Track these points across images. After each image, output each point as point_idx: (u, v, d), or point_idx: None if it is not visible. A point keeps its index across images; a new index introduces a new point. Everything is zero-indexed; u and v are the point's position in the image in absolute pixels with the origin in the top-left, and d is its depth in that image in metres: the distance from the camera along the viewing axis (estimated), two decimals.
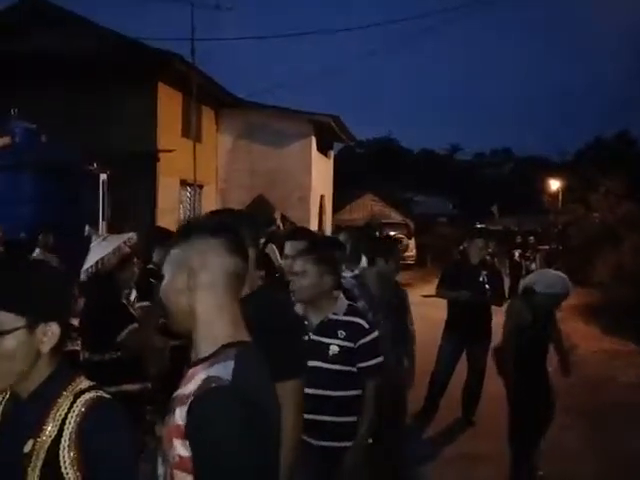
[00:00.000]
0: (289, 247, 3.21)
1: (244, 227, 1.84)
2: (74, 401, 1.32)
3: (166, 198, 13.84)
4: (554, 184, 37.02)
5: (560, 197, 34.57)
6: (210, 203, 16.45)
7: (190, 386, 1.28)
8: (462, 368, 5.63)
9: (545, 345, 4.00)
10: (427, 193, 38.55)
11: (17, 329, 1.27)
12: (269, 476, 1.35)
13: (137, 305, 4.49)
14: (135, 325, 3.47)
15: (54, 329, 1.33)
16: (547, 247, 16.07)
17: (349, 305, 2.76)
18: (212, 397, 1.23)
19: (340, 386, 2.65)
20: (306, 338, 2.64)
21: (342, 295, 2.82)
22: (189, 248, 1.37)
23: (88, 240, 3.79)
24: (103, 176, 7.34)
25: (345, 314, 2.69)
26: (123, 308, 3.70)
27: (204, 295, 1.34)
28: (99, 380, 3.82)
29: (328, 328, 2.67)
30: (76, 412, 1.31)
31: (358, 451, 2.64)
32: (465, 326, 5.41)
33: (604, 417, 5.65)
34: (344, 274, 3.57)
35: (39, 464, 1.29)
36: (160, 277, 4.53)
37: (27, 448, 1.31)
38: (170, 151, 12.89)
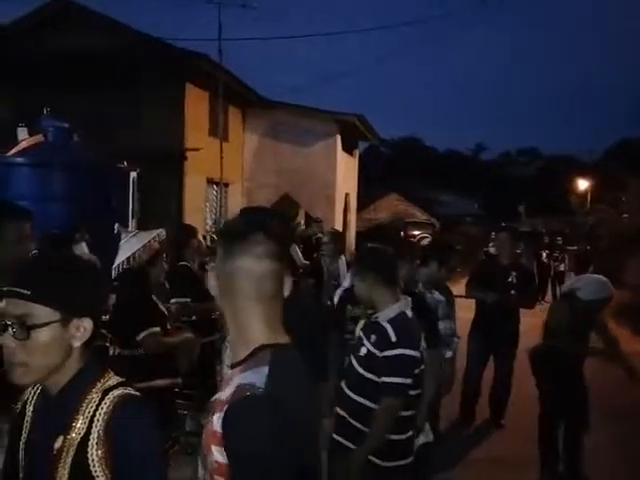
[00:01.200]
0: None
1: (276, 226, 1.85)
2: (102, 398, 1.33)
3: (193, 196, 13.97)
4: (582, 184, 36.41)
5: (588, 197, 34.01)
6: (236, 202, 16.55)
7: (227, 391, 1.28)
8: (491, 370, 5.56)
9: (584, 350, 3.95)
10: (452, 193, 38.23)
11: (51, 323, 1.29)
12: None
13: (172, 301, 4.55)
14: (155, 329, 3.47)
15: (87, 325, 1.34)
16: (575, 248, 15.80)
17: (399, 313, 2.62)
18: (245, 406, 1.22)
19: (362, 393, 2.55)
20: (359, 334, 2.69)
21: (402, 302, 2.67)
22: (221, 250, 1.37)
23: (118, 238, 3.83)
24: (133, 174, 7.41)
25: (388, 320, 2.57)
26: (153, 305, 3.72)
27: (236, 298, 1.34)
28: (129, 375, 3.86)
29: (369, 329, 2.64)
30: (104, 409, 1.31)
31: (356, 460, 2.51)
32: (492, 327, 5.30)
33: (631, 418, 5.56)
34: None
35: (69, 461, 1.30)
36: (189, 274, 4.54)
37: (57, 444, 1.32)
38: (197, 149, 13.01)
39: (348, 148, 18.99)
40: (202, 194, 14.80)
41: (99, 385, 1.35)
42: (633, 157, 34.18)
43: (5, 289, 1.30)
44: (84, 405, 1.32)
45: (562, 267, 14.13)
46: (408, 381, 2.49)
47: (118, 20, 13.21)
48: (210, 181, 14.92)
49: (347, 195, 19.37)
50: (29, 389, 1.47)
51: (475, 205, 39.47)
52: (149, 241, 3.81)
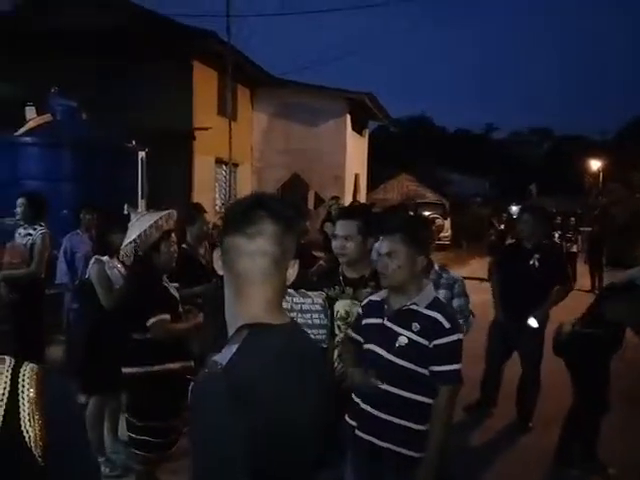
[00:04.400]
0: (342, 226, 2.98)
1: (278, 208, 1.79)
2: (14, 375, 1.21)
3: (202, 176, 13.89)
4: (595, 164, 35.96)
5: (601, 177, 33.61)
6: (245, 182, 16.46)
7: None
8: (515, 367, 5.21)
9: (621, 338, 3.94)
10: (462, 172, 37.89)
11: None
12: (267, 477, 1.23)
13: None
14: (164, 316, 3.39)
15: None
16: (589, 229, 15.58)
17: (435, 298, 2.44)
18: (200, 383, 1.21)
19: (403, 385, 2.37)
20: (379, 322, 2.45)
21: (431, 285, 2.52)
22: (222, 228, 1.37)
23: (127, 218, 3.76)
24: (142, 154, 7.34)
25: (427, 307, 2.39)
26: (162, 289, 3.62)
27: (229, 276, 1.32)
28: (141, 358, 3.78)
29: (403, 317, 2.40)
30: (26, 383, 1.21)
31: (428, 470, 2.32)
32: (515, 322, 4.80)
33: None
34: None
35: None
36: (192, 258, 4.36)
37: None
38: (206, 129, 12.89)
39: (358, 128, 18.79)
40: (211, 174, 14.72)
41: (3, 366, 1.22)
42: None
43: None
44: None
45: (575, 248, 13.93)
46: (459, 365, 2.38)
47: None
48: (219, 161, 14.82)
49: (357, 175, 19.22)
50: None
51: (486, 185, 39.14)
52: (158, 220, 3.71)
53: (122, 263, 4.13)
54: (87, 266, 5.54)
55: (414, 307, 2.39)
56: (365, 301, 2.62)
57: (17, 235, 5.36)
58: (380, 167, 24.59)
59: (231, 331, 1.30)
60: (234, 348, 1.22)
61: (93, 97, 9.59)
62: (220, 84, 14.26)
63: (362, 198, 19.99)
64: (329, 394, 1.49)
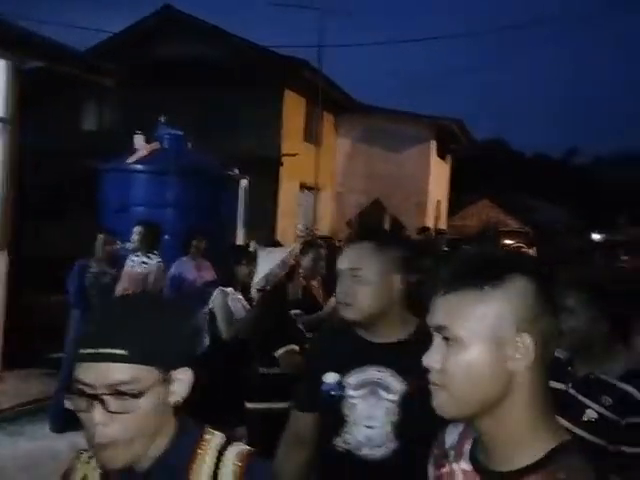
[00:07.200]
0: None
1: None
2: (219, 458, 1.09)
3: (286, 202, 14.04)
4: None
5: None
6: (326, 207, 16.52)
7: None
8: None
9: None
10: (543, 199, 36.60)
11: (157, 384, 1.04)
12: None
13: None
14: (293, 346, 3.38)
15: (188, 375, 1.09)
16: None
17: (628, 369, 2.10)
18: None
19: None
20: (563, 388, 2.14)
21: (624, 353, 2.16)
22: None
23: (230, 247, 3.75)
24: (244, 182, 7.46)
25: (622, 378, 2.06)
26: (291, 322, 3.67)
27: None
28: (266, 394, 3.75)
29: (592, 386, 2.10)
30: (230, 468, 1.08)
31: None
32: None
33: None
34: None
35: None
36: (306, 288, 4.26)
37: None
38: (294, 155, 13.06)
39: (441, 153, 18.55)
40: (295, 199, 14.86)
41: (203, 446, 1.10)
42: None
43: (88, 352, 1.03)
44: (194, 473, 1.08)
45: None
46: None
47: (221, 28, 13.49)
48: (302, 186, 14.96)
49: (439, 202, 18.92)
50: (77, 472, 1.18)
51: (569, 213, 37.64)
52: (285, 257, 3.77)
53: (245, 296, 4.16)
54: (194, 293, 5.63)
55: (602, 376, 2.10)
56: None
57: (130, 262, 5.49)
58: (459, 192, 24.11)
59: None
60: None
61: (190, 125, 9.91)
62: (308, 110, 14.44)
63: (443, 225, 19.64)
64: None
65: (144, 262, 5.44)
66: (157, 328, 1.07)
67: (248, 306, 4.12)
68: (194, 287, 5.64)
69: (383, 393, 1.71)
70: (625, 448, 2.05)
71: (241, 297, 4.19)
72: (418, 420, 1.58)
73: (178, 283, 5.80)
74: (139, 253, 5.51)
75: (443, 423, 1.42)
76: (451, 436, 1.16)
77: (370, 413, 1.71)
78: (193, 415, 1.18)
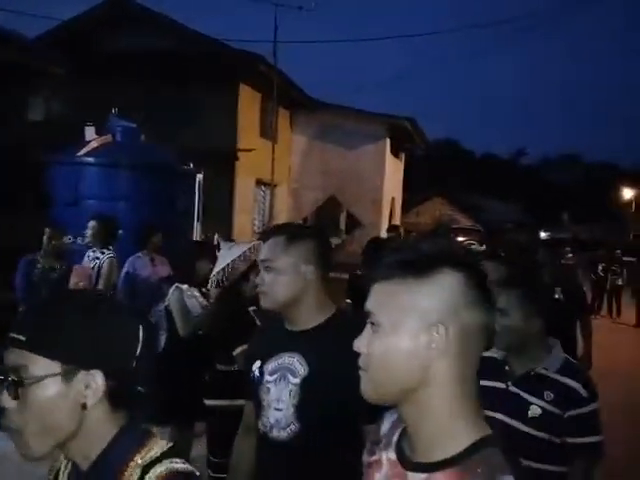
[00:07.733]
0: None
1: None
2: (142, 477, 1.05)
3: (243, 198, 13.93)
4: (627, 192, 35.46)
5: (633, 205, 33.10)
6: (282, 203, 16.47)
7: None
8: None
9: None
10: (492, 198, 37.58)
11: (48, 377, 1.02)
12: None
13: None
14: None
15: (98, 380, 1.04)
16: (634, 259, 15.19)
17: (565, 360, 2.19)
18: None
19: (530, 456, 2.05)
20: (502, 387, 2.18)
21: (558, 345, 2.24)
22: None
23: (187, 242, 3.70)
24: (199, 176, 7.34)
25: (560, 372, 2.13)
26: (250, 320, 3.60)
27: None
28: (226, 392, 3.69)
29: (532, 382, 2.14)
30: None
31: None
32: None
33: None
34: None
35: None
36: None
37: None
38: (250, 150, 12.96)
39: (395, 151, 18.76)
40: (251, 195, 14.75)
41: (138, 458, 1.07)
42: None
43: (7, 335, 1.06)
44: None
45: (620, 281, 13.52)
46: (602, 437, 2.13)
47: (174, 19, 13.24)
48: (259, 182, 14.86)
49: (393, 199, 19.14)
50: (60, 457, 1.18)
51: (517, 211, 38.75)
52: (245, 251, 3.70)
53: (202, 292, 4.09)
54: (149, 290, 5.50)
55: (543, 372, 2.17)
56: None
57: (86, 257, 5.36)
58: (412, 190, 24.46)
59: None
60: None
61: (145, 118, 9.69)
62: (263, 106, 14.34)
63: (397, 222, 19.89)
64: None
65: (97, 257, 5.30)
66: (74, 324, 1.05)
67: (205, 302, 4.05)
68: (149, 283, 5.51)
69: (290, 377, 1.80)
70: (569, 439, 2.11)
71: (197, 294, 4.12)
72: (317, 403, 1.71)
73: (132, 279, 5.67)
74: (95, 248, 5.38)
75: (343, 408, 1.62)
76: (386, 424, 1.16)
77: (278, 396, 1.80)
78: (152, 412, 1.15)
